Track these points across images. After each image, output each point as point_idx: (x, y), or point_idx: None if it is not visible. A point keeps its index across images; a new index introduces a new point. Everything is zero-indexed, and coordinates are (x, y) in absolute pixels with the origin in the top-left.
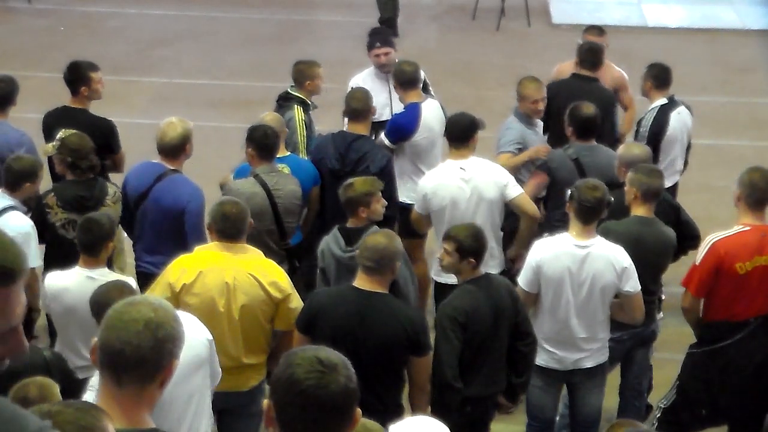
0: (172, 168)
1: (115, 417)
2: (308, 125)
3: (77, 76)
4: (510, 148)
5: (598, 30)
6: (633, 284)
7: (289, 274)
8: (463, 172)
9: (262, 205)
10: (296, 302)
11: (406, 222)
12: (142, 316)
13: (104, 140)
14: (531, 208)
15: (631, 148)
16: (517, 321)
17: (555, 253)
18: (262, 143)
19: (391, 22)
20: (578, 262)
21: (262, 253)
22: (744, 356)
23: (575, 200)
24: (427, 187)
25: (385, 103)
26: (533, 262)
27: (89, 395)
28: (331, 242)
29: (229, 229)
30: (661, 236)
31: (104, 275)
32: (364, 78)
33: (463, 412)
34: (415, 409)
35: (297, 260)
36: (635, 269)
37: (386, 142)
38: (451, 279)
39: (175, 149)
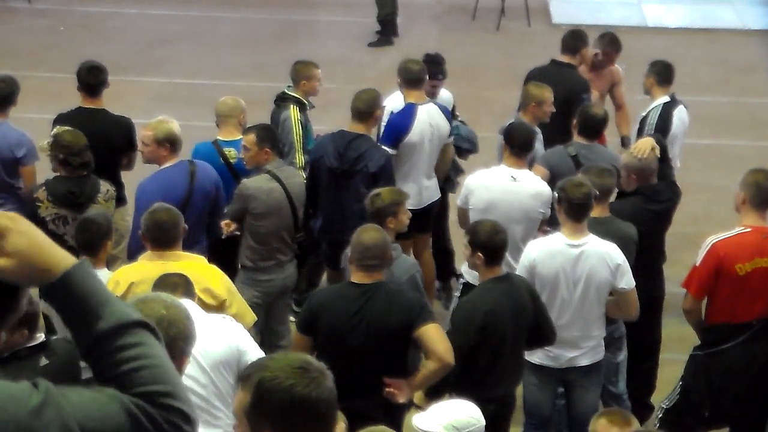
0: (189, 160)
1: None
2: (304, 125)
3: (103, 79)
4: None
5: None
6: (627, 280)
7: (299, 267)
8: (513, 181)
9: (281, 200)
10: (236, 307)
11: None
12: (155, 313)
13: (127, 139)
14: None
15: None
16: (538, 322)
17: (549, 252)
18: (276, 141)
19: (389, 19)
20: (572, 260)
21: (204, 258)
22: (746, 359)
23: (564, 200)
24: (472, 184)
25: None
26: (527, 262)
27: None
28: None
29: (163, 236)
30: (617, 233)
31: (104, 276)
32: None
33: (486, 411)
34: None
35: (305, 254)
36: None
37: (388, 150)
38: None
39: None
